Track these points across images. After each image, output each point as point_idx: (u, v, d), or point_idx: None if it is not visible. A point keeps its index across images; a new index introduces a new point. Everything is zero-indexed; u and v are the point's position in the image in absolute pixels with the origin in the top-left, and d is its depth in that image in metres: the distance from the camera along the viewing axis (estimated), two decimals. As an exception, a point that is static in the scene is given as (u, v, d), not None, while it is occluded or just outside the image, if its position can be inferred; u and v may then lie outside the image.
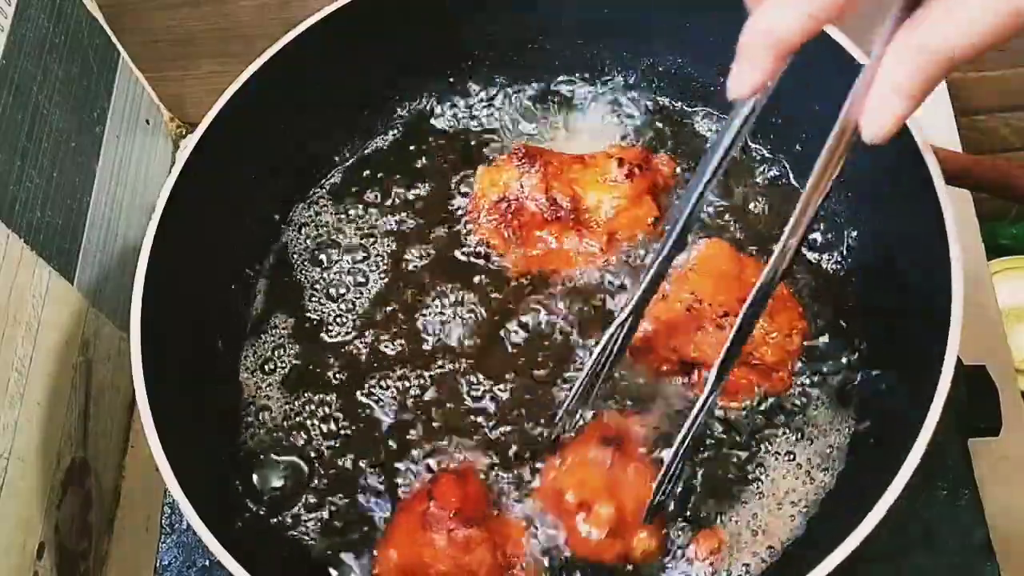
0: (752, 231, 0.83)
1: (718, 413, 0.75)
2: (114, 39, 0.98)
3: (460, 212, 0.86)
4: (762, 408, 0.75)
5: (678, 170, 0.85)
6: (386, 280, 0.84)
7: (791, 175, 0.85)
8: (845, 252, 0.81)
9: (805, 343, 0.76)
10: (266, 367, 0.81)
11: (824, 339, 0.78)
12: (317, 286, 0.84)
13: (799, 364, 0.76)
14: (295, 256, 0.86)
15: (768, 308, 0.72)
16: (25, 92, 0.80)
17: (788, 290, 0.76)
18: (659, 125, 0.89)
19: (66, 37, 0.87)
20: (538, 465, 0.73)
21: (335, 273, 0.84)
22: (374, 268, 0.84)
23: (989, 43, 0.41)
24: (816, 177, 0.51)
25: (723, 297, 0.73)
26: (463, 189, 0.87)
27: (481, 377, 0.78)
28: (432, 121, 0.91)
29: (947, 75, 0.43)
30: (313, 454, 0.77)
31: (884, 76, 0.44)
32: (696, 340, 0.72)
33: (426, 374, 0.79)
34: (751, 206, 0.84)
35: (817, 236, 0.82)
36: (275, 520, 0.75)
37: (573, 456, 0.71)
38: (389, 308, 0.82)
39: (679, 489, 0.71)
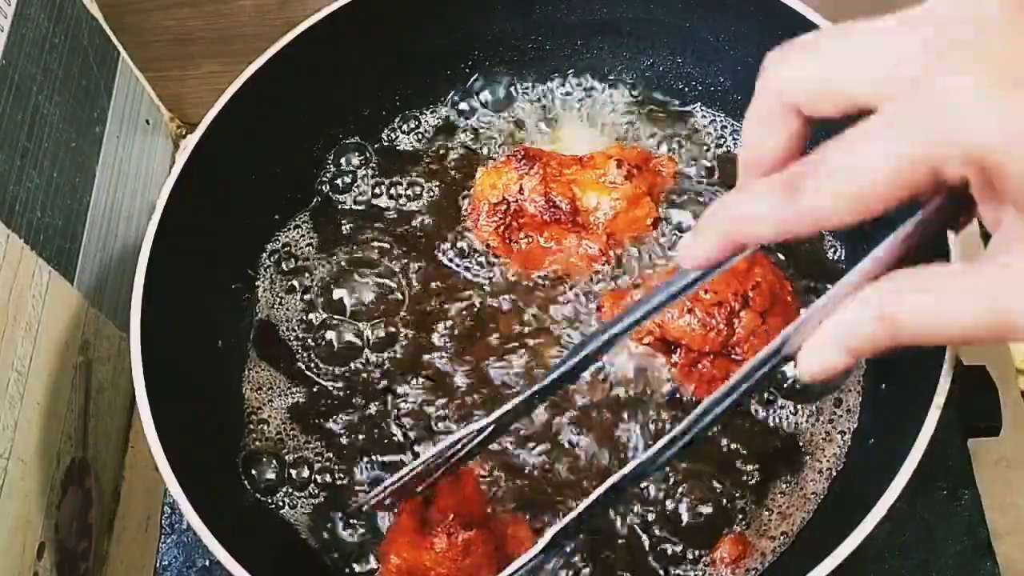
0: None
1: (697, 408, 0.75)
2: (114, 39, 0.98)
3: (460, 214, 0.86)
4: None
5: (677, 170, 0.85)
6: (385, 279, 0.83)
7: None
8: (844, 252, 0.81)
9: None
10: (268, 371, 0.81)
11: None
12: (316, 287, 0.84)
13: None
14: (294, 257, 0.86)
15: (765, 307, 0.73)
16: (25, 92, 0.80)
17: (792, 295, 0.76)
18: (659, 126, 0.89)
19: (66, 37, 0.87)
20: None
21: (333, 275, 0.84)
22: (373, 268, 0.84)
23: (958, 339, 0.37)
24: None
25: (721, 287, 0.73)
26: (462, 191, 0.87)
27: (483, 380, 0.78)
28: (431, 122, 0.91)
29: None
30: (315, 455, 0.77)
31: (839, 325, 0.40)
32: (681, 322, 0.73)
33: (423, 373, 0.79)
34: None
35: (815, 236, 0.82)
36: (276, 520, 0.75)
37: None
38: (388, 308, 0.82)
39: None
